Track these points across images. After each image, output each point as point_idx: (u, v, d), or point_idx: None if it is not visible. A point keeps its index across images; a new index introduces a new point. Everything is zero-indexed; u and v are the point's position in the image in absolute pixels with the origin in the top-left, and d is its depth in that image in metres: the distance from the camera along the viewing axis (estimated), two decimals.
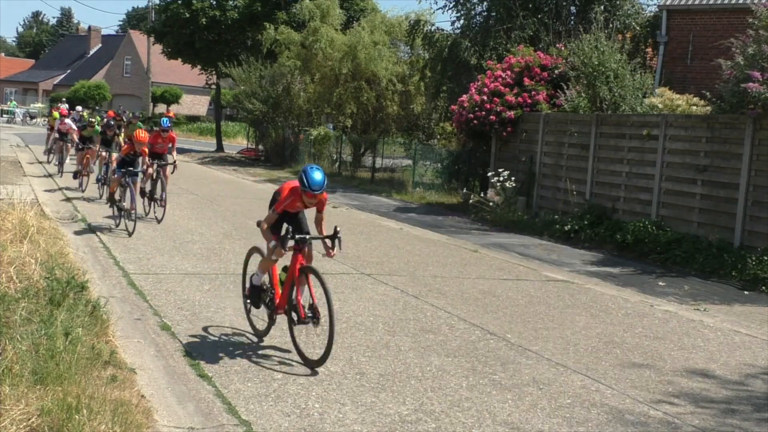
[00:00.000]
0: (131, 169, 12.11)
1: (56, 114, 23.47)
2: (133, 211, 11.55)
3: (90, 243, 10.79)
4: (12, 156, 23.68)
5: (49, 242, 9.23)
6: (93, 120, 18.70)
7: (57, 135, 20.00)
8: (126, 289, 8.23)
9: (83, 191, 16.36)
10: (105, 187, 15.17)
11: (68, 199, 15.12)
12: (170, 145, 13.82)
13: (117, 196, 12.02)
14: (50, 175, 19.40)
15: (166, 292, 8.20)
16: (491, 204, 16.42)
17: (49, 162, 22.83)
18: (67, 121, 20.11)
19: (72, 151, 19.65)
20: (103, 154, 16.02)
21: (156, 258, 9.99)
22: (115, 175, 12.12)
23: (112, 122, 17.29)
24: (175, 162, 13.67)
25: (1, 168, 19.01)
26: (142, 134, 12.43)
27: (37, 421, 4.18)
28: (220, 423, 4.85)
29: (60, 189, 16.83)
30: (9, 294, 6.27)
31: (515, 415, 5.31)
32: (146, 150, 12.65)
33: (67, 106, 33.41)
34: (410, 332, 7.22)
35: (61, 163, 19.89)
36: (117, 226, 11.86)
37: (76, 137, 19.22)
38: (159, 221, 12.89)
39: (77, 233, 11.43)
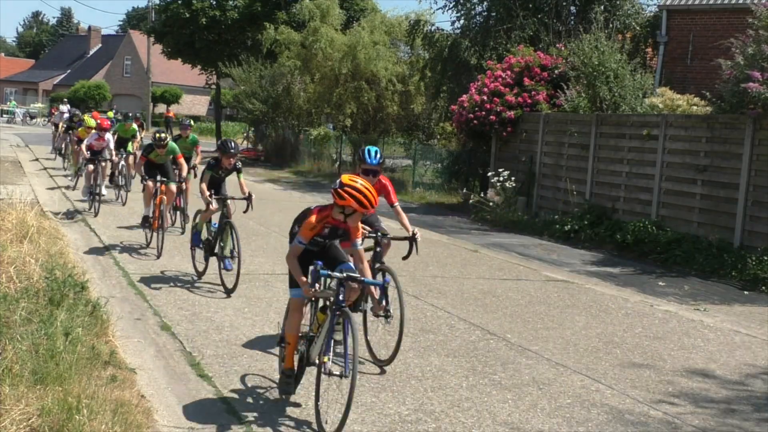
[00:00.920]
0: (349, 270, 5.17)
1: (90, 121, 17.54)
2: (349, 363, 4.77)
3: (90, 243, 10.79)
4: (12, 156, 23.67)
5: (49, 242, 9.23)
6: (163, 135, 10.86)
7: (87, 153, 14.07)
8: (126, 289, 8.23)
9: (158, 255, 9.98)
10: (209, 256, 8.86)
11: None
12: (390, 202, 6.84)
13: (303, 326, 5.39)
14: (79, 213, 13.27)
15: (167, 292, 8.21)
16: (491, 204, 16.42)
17: (73, 188, 16.60)
18: (108, 136, 14.53)
19: (104, 172, 14.25)
20: (213, 206, 8.70)
21: (156, 258, 9.98)
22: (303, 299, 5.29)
23: (232, 147, 8.78)
24: (414, 235, 6.61)
25: (1, 168, 19.00)
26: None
27: (37, 422, 4.18)
28: (220, 423, 4.86)
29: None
30: (9, 294, 6.27)
31: (515, 415, 5.31)
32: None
33: (67, 107, 32.79)
34: (410, 332, 7.21)
35: (93, 194, 13.43)
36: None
37: (118, 158, 14.98)
38: None
39: (77, 233, 11.42)
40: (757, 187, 11.68)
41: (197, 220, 9.13)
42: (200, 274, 8.89)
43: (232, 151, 8.65)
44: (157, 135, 10.87)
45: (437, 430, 4.96)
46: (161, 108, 58.84)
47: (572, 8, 20.25)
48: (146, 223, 10.72)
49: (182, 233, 11.73)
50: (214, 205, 8.70)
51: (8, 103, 61.01)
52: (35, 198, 14.02)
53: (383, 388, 5.65)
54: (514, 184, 16.32)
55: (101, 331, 6.04)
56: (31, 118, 54.19)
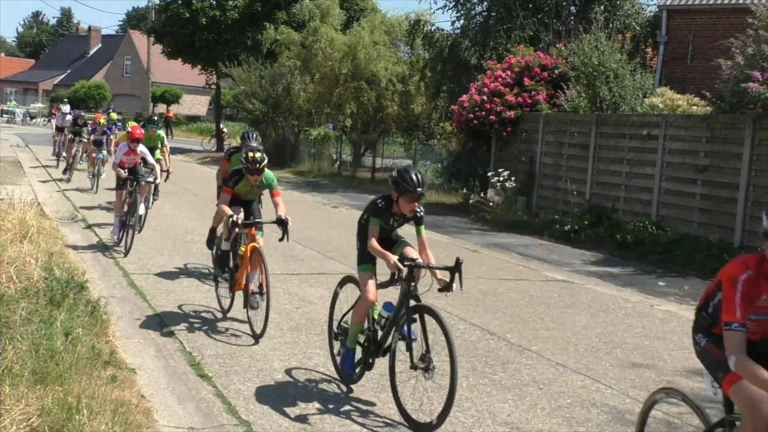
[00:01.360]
0: None
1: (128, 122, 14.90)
2: None
3: (90, 243, 10.78)
4: (12, 156, 23.67)
5: (49, 242, 9.23)
6: (259, 156, 7.02)
7: (123, 170, 10.74)
8: (126, 289, 8.23)
9: (255, 338, 6.70)
10: (371, 360, 5.56)
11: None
12: None
13: None
14: (106, 249, 10.38)
15: (166, 292, 8.20)
16: (491, 204, 16.42)
17: (108, 204, 13.77)
18: (142, 149, 11.29)
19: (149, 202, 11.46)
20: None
21: (156, 258, 9.99)
22: None
23: (417, 180, 5.17)
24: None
25: (1, 168, 18.99)
26: None
27: (37, 421, 4.18)
28: (220, 423, 4.85)
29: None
30: (9, 294, 6.27)
31: (515, 415, 5.31)
32: None
33: (68, 107, 32.34)
34: None
35: (124, 229, 10.28)
36: None
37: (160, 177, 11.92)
38: None
39: (77, 233, 11.42)
40: (757, 187, 11.67)
41: (356, 309, 5.50)
42: (349, 381, 5.61)
43: (420, 189, 5.18)
44: (251, 155, 6.97)
45: (437, 430, 4.95)
46: (161, 108, 58.86)
47: (572, 8, 20.26)
48: (223, 266, 7.44)
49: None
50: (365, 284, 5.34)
51: (8, 103, 61.00)
52: (35, 198, 14.02)
53: (383, 388, 5.65)
54: (514, 184, 16.32)
55: (101, 331, 6.05)
56: (31, 118, 54.18)
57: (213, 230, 7.90)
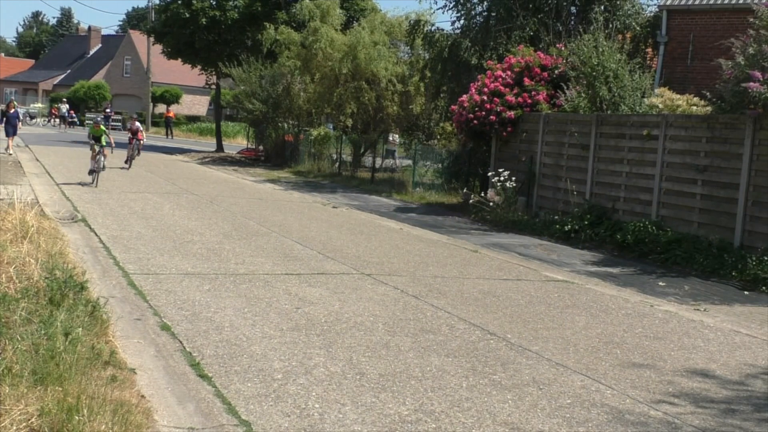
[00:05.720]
0: None
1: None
2: None
3: (90, 243, 10.78)
4: (12, 156, 23.66)
5: (49, 242, 9.22)
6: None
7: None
8: (126, 289, 8.22)
9: None
10: None
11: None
12: None
13: None
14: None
15: (166, 292, 8.20)
16: (491, 204, 16.42)
17: None
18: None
19: None
20: None
21: (156, 258, 9.99)
22: None
23: None
24: None
25: (1, 168, 18.99)
26: None
27: (37, 422, 4.18)
28: (220, 423, 4.85)
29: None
30: (9, 294, 6.26)
31: (515, 415, 5.31)
32: None
33: (67, 106, 32.22)
34: (410, 332, 7.21)
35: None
36: None
37: None
38: None
39: (77, 233, 11.42)
40: (757, 187, 11.68)
41: None
42: None
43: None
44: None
45: (437, 430, 4.96)
46: (161, 108, 58.86)
47: (572, 8, 20.25)
48: None
49: None
50: None
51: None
52: (35, 198, 14.02)
53: (383, 388, 5.65)
54: (514, 184, 16.32)
55: (101, 331, 6.04)
56: (31, 118, 54.19)
57: None
